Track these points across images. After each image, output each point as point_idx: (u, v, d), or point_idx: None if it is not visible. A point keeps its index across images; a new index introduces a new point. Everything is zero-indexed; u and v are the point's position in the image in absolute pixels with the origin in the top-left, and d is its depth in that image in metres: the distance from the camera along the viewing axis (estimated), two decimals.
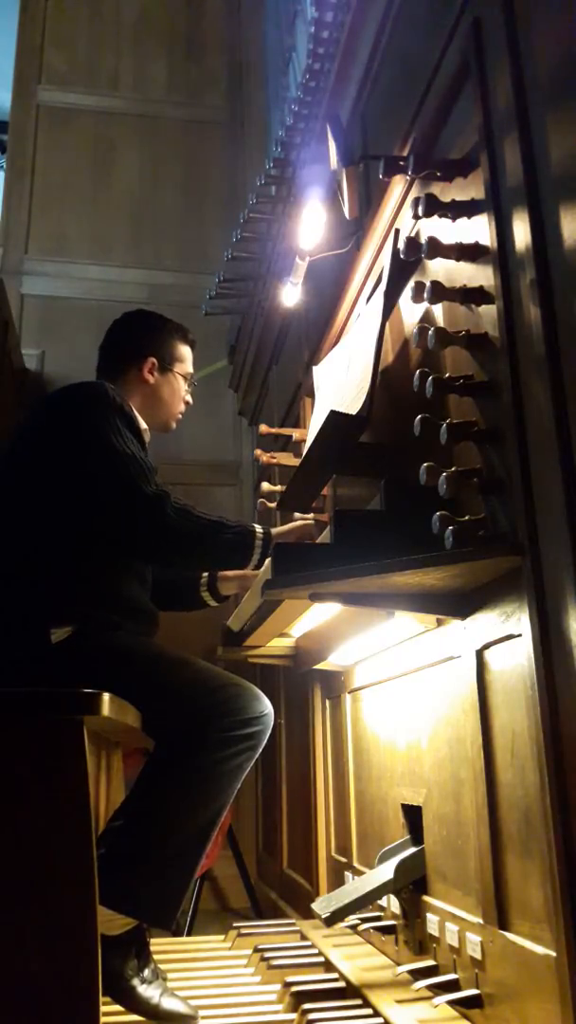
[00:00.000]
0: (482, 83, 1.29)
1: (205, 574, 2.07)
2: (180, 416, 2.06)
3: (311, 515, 2.01)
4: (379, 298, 1.68)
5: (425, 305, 1.49)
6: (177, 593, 2.08)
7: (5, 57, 5.22)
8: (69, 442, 1.71)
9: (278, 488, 2.44)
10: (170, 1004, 1.51)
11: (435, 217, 1.39)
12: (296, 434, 2.65)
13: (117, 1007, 1.51)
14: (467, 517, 1.19)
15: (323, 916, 1.55)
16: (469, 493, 1.24)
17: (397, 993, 1.44)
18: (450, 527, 1.16)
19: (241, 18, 5.05)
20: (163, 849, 1.53)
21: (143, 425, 1.91)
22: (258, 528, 1.73)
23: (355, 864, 2.00)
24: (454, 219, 1.38)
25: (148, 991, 1.51)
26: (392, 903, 1.64)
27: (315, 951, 1.84)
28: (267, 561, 1.40)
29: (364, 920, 1.73)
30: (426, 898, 1.49)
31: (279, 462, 2.56)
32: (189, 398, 2.07)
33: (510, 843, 1.18)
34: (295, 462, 2.38)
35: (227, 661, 2.34)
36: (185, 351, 2.05)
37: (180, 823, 1.54)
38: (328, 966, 1.72)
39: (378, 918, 1.72)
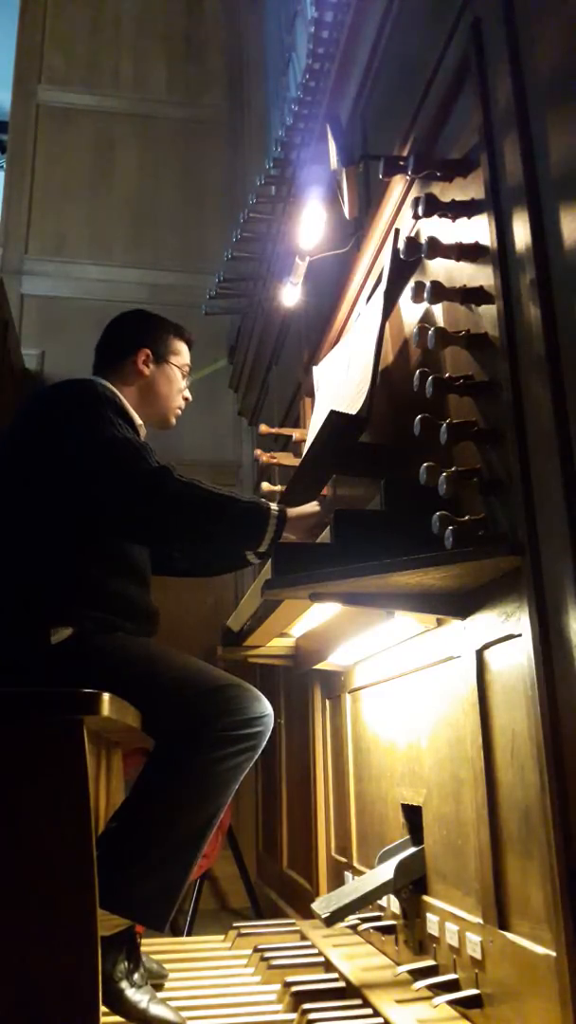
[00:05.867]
0: (482, 83, 1.29)
1: None
2: (179, 411, 2.03)
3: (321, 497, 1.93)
4: (379, 298, 1.68)
5: (425, 305, 1.49)
6: (220, 553, 2.04)
7: (5, 57, 5.22)
8: (62, 440, 1.70)
9: (278, 488, 2.43)
10: (158, 1010, 1.49)
11: (435, 217, 1.39)
12: (296, 434, 2.65)
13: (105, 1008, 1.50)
14: (467, 517, 1.19)
15: (323, 916, 1.55)
16: (469, 493, 1.24)
17: (397, 993, 1.44)
18: (450, 527, 1.16)
19: (241, 18, 5.05)
20: (158, 849, 1.52)
21: (138, 421, 1.91)
22: (272, 505, 1.65)
23: (355, 864, 2.00)
24: (454, 219, 1.38)
25: (136, 995, 1.50)
26: (392, 903, 1.64)
27: (315, 951, 1.84)
28: (267, 561, 1.40)
29: (364, 920, 1.73)
30: (426, 898, 1.49)
31: (279, 462, 2.56)
32: (188, 394, 2.04)
33: (510, 843, 1.17)
34: (295, 462, 2.38)
35: (227, 661, 2.34)
36: (180, 345, 2.02)
37: (177, 823, 1.54)
38: (328, 966, 1.72)
39: (378, 918, 1.72)
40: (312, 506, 1.69)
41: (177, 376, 2.00)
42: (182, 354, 2.02)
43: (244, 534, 1.64)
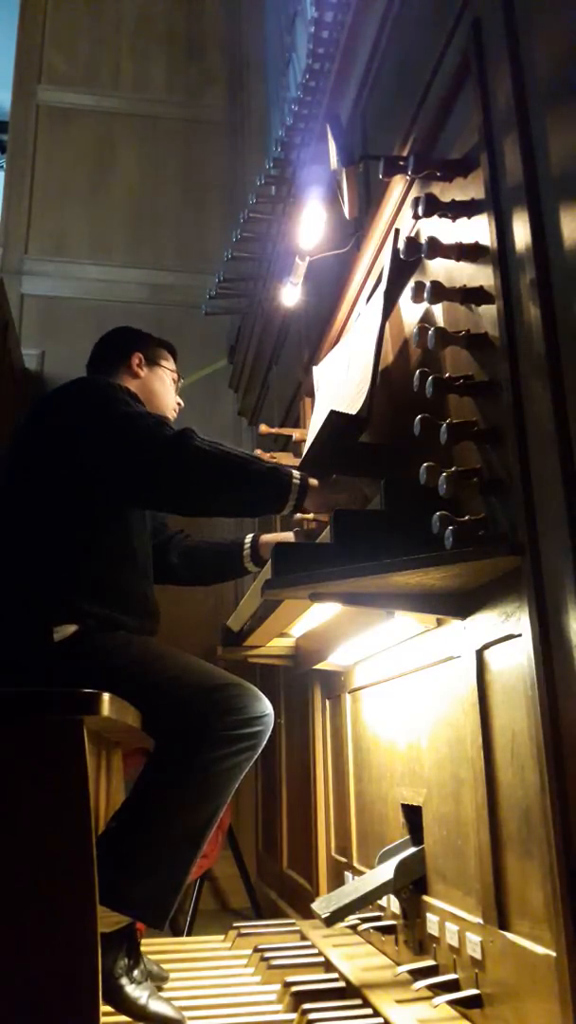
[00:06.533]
0: (482, 83, 1.29)
1: (248, 538, 2.07)
2: (176, 412, 2.09)
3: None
4: (379, 298, 1.68)
5: (425, 305, 1.49)
6: (219, 563, 2.10)
7: (5, 57, 5.22)
8: (75, 427, 1.72)
9: None
10: (157, 1006, 1.50)
11: (435, 217, 1.39)
12: (296, 434, 2.65)
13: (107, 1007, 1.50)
14: (467, 517, 1.19)
15: (323, 916, 1.55)
16: (469, 493, 1.24)
17: (397, 993, 1.44)
18: (450, 527, 1.16)
19: (241, 18, 5.05)
20: (158, 847, 1.53)
21: None
22: (295, 471, 1.67)
23: (355, 864, 2.00)
24: (454, 219, 1.38)
25: (136, 991, 1.50)
26: (392, 903, 1.64)
27: (315, 951, 1.84)
28: (266, 561, 1.40)
29: (364, 920, 1.73)
30: (426, 898, 1.49)
31: (279, 462, 2.56)
32: (179, 399, 2.12)
33: (510, 843, 1.18)
34: (295, 462, 2.37)
35: (227, 661, 2.34)
36: (167, 353, 2.11)
37: (176, 821, 1.54)
38: (328, 966, 1.72)
39: (378, 918, 1.72)
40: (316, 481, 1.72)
41: (168, 378, 2.08)
42: (170, 360, 2.11)
43: (268, 494, 1.66)
